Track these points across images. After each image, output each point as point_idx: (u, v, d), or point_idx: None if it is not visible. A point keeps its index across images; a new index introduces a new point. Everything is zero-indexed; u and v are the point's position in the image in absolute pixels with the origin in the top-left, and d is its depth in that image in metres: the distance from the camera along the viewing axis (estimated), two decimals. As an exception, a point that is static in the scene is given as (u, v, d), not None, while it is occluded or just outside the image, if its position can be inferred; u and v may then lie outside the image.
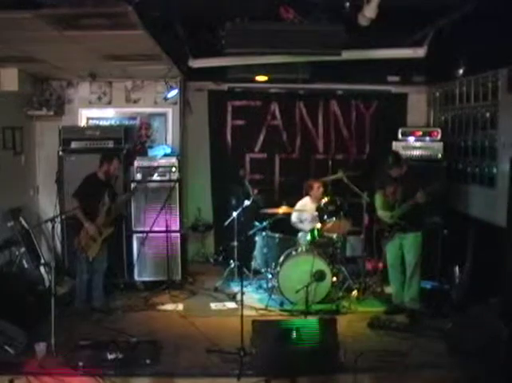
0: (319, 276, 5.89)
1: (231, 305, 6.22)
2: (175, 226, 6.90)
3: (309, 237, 6.50)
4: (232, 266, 7.03)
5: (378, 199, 6.00)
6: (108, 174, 6.01)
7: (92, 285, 6.02)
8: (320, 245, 6.44)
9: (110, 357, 4.45)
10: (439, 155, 7.14)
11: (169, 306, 6.20)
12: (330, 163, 7.76)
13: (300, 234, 6.70)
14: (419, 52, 5.41)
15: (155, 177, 6.84)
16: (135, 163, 6.87)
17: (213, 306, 6.27)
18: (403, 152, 6.84)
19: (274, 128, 8.12)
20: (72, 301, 5.94)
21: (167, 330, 5.37)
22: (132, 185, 6.72)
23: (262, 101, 8.10)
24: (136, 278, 6.84)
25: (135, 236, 6.86)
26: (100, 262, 5.99)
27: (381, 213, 5.94)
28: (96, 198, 5.84)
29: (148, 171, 6.80)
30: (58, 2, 3.62)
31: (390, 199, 5.89)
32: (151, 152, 7.25)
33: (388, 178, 5.86)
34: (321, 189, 6.84)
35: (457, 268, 6.18)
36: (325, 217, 6.59)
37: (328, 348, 4.50)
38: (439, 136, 7.28)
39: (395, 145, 7.24)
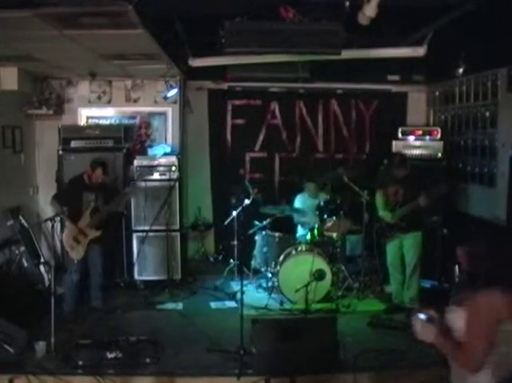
0: (319, 275, 5.89)
1: (231, 304, 6.23)
2: (175, 225, 6.91)
3: (308, 236, 6.51)
4: (232, 265, 7.03)
5: (379, 199, 6.01)
6: (90, 179, 5.90)
7: (89, 285, 5.99)
8: (320, 244, 6.45)
9: (110, 356, 4.45)
10: (439, 155, 7.14)
11: (169, 305, 6.21)
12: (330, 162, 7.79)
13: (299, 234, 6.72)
14: (419, 51, 5.41)
15: (155, 176, 6.85)
16: (135, 163, 6.88)
17: (213, 305, 6.27)
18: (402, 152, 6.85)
19: (274, 127, 8.12)
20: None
21: (167, 329, 5.37)
22: (126, 187, 6.53)
23: (262, 100, 8.09)
24: (136, 277, 6.84)
25: (135, 235, 6.86)
26: (93, 264, 5.91)
27: (382, 213, 5.94)
28: (78, 200, 5.78)
29: (147, 170, 6.80)
30: (58, 1, 3.61)
31: (391, 200, 5.89)
32: (150, 151, 7.25)
33: (391, 178, 5.87)
34: (315, 187, 6.96)
35: (457, 267, 6.18)
36: (325, 216, 6.60)
37: (327, 347, 4.51)
38: (438, 135, 7.28)
39: (395, 144, 7.24)
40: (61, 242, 5.92)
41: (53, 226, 5.10)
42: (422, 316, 2.71)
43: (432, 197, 5.54)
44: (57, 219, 5.43)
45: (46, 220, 5.48)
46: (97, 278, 5.99)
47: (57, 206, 5.77)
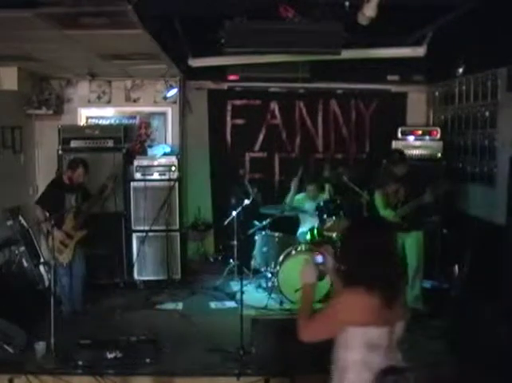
0: (319, 275, 5.87)
1: (231, 304, 6.22)
2: (175, 225, 6.91)
3: (308, 236, 6.51)
4: (232, 265, 7.03)
5: (378, 199, 5.97)
6: (70, 180, 5.81)
7: (72, 289, 5.86)
8: (320, 244, 6.43)
9: (110, 356, 4.46)
10: (439, 155, 7.14)
11: (169, 305, 6.21)
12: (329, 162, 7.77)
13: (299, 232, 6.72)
14: (419, 51, 5.40)
15: (155, 176, 6.86)
16: (135, 163, 6.89)
17: (212, 305, 6.28)
18: (402, 151, 6.84)
19: (274, 127, 8.11)
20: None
21: (166, 329, 5.36)
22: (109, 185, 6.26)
23: (262, 100, 8.08)
24: (136, 277, 6.85)
25: (134, 235, 6.86)
26: (78, 268, 5.82)
27: (383, 212, 5.87)
28: (60, 202, 5.70)
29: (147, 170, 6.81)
30: (58, 1, 3.61)
31: (391, 199, 5.87)
32: (150, 151, 7.26)
33: (391, 177, 5.84)
34: (315, 189, 6.93)
35: (456, 267, 6.18)
36: (325, 216, 6.59)
37: (327, 347, 4.49)
38: (438, 135, 7.28)
39: (395, 144, 7.24)
40: (50, 247, 5.81)
41: (53, 226, 5.09)
42: (319, 258, 2.65)
43: (437, 193, 5.52)
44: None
45: (46, 220, 5.48)
46: (81, 280, 5.86)
47: (40, 213, 5.70)
